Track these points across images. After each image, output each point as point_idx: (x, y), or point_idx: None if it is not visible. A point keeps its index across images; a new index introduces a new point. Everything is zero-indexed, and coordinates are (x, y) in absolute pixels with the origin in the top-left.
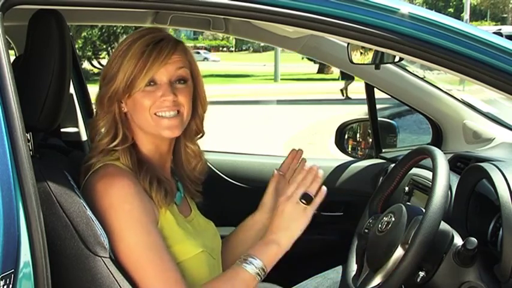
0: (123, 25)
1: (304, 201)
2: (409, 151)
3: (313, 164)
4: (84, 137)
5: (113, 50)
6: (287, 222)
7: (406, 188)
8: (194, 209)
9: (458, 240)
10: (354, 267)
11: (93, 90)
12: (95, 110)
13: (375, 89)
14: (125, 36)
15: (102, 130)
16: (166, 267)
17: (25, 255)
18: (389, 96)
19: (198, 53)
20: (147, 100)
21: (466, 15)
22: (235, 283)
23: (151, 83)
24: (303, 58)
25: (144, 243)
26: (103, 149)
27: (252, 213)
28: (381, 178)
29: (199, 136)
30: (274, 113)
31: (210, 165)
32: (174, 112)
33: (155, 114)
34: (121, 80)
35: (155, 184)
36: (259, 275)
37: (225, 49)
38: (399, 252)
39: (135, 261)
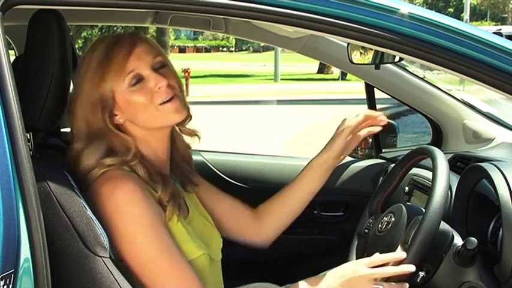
0: (123, 25)
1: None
2: (409, 151)
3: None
4: None
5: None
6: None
7: (406, 188)
8: (192, 209)
9: (458, 240)
10: None
11: None
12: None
13: (375, 89)
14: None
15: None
16: (181, 265)
17: (25, 255)
18: (389, 96)
19: None
20: (144, 96)
21: (466, 15)
22: None
23: (138, 80)
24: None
25: (156, 245)
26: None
27: (319, 154)
28: (381, 178)
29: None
30: (274, 113)
31: (210, 165)
32: (171, 95)
33: (159, 104)
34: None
35: (172, 200)
36: None
37: (225, 49)
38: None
39: (147, 263)
